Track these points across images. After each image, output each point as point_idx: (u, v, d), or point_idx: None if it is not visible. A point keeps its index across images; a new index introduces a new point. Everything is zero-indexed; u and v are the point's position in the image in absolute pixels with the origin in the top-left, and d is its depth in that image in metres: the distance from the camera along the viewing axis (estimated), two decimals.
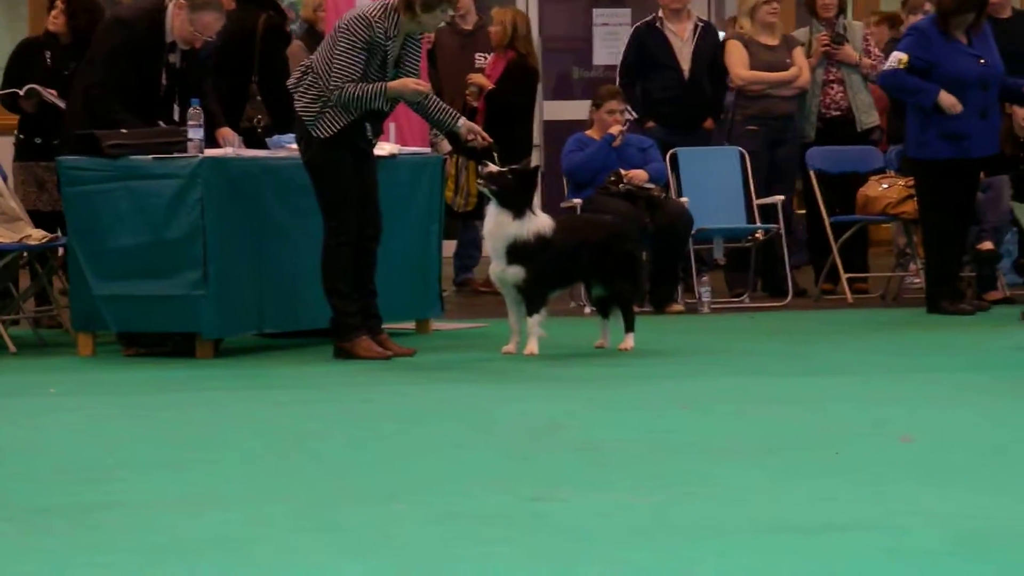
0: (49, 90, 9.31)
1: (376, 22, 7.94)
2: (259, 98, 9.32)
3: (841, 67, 11.31)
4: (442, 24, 8.85)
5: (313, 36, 10.44)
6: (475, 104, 11.34)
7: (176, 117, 8.62)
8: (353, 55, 7.92)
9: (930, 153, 9.97)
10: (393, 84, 8.01)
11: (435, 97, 8.41)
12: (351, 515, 4.57)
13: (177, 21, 8.55)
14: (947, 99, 9.84)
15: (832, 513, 4.50)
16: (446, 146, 10.41)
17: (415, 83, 8.06)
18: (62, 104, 9.27)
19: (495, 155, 8.54)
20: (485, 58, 11.66)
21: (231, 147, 8.59)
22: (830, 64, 11.31)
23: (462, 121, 8.34)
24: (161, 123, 8.55)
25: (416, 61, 8.21)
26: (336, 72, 7.92)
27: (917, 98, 9.94)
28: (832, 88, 11.32)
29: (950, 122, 9.89)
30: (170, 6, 8.57)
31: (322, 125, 8.04)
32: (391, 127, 9.26)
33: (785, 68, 11.21)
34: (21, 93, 9.35)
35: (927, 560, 4.01)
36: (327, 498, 4.84)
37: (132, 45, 8.56)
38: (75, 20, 9.44)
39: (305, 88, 8.08)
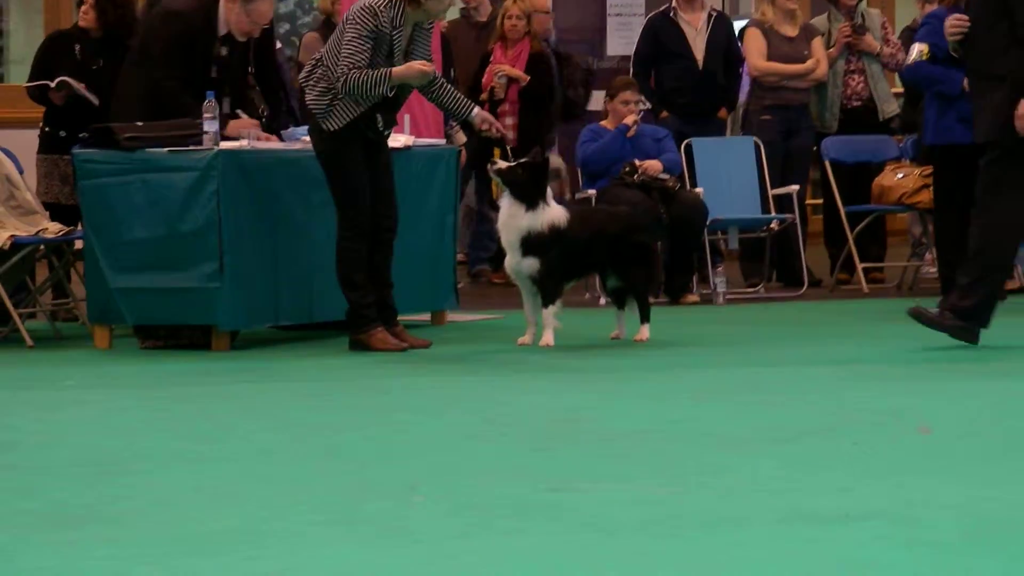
0: (79, 83, 9.34)
1: (381, 11, 7.95)
2: (257, 88, 9.32)
3: (862, 56, 11.29)
4: (447, 10, 8.85)
5: (329, 28, 10.45)
6: (502, 95, 11.36)
7: (226, 108, 8.67)
8: (359, 44, 7.93)
9: (949, 138, 9.95)
10: (398, 69, 8.02)
11: (447, 85, 8.41)
12: (368, 507, 4.58)
13: (232, 15, 8.59)
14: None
15: (849, 504, 4.50)
16: (462, 137, 10.42)
17: (421, 64, 8.06)
18: (93, 98, 9.29)
19: (507, 149, 8.55)
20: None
21: (247, 139, 8.59)
22: (851, 54, 11.29)
23: (476, 111, 8.35)
24: (242, 113, 8.59)
25: (427, 51, 8.22)
26: (343, 61, 7.94)
27: (943, 88, 9.91)
28: (853, 78, 11.30)
29: (968, 106, 9.87)
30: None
31: (332, 118, 8.05)
32: (405, 118, 9.26)
33: (803, 59, 11.19)
34: (52, 85, 9.37)
35: (943, 551, 4.00)
36: (344, 490, 4.84)
37: (187, 37, 8.59)
38: (105, 16, 9.47)
39: (315, 81, 8.09)
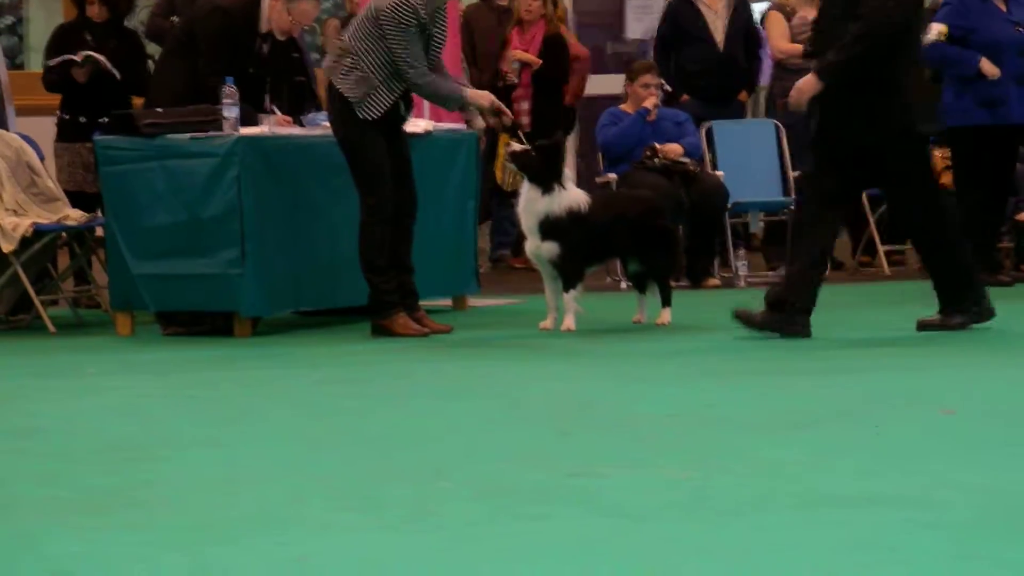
0: (101, 56, 9.40)
1: (418, 4, 7.96)
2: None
3: None
4: None
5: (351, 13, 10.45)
6: (516, 80, 11.34)
7: (268, 106, 8.74)
8: (411, 45, 7.97)
9: (968, 120, 9.94)
10: (470, 93, 8.13)
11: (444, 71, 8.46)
12: (390, 492, 4.58)
13: (274, 13, 8.65)
14: (988, 67, 9.81)
15: (872, 487, 4.50)
16: (480, 122, 10.41)
17: (490, 97, 8.14)
18: (116, 72, 9.36)
19: (519, 133, 8.55)
20: None
21: (267, 125, 8.60)
22: None
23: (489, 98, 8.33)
24: (276, 109, 8.71)
25: (443, 34, 8.21)
26: (402, 64, 7.95)
27: (959, 69, 9.91)
28: None
29: (987, 88, 9.86)
30: None
31: (369, 106, 8.05)
32: (425, 104, 9.26)
33: None
34: (78, 59, 9.41)
35: (967, 534, 4.00)
36: (366, 476, 4.85)
37: (231, 33, 8.65)
38: (113, 6, 9.56)
39: (346, 71, 8.08)
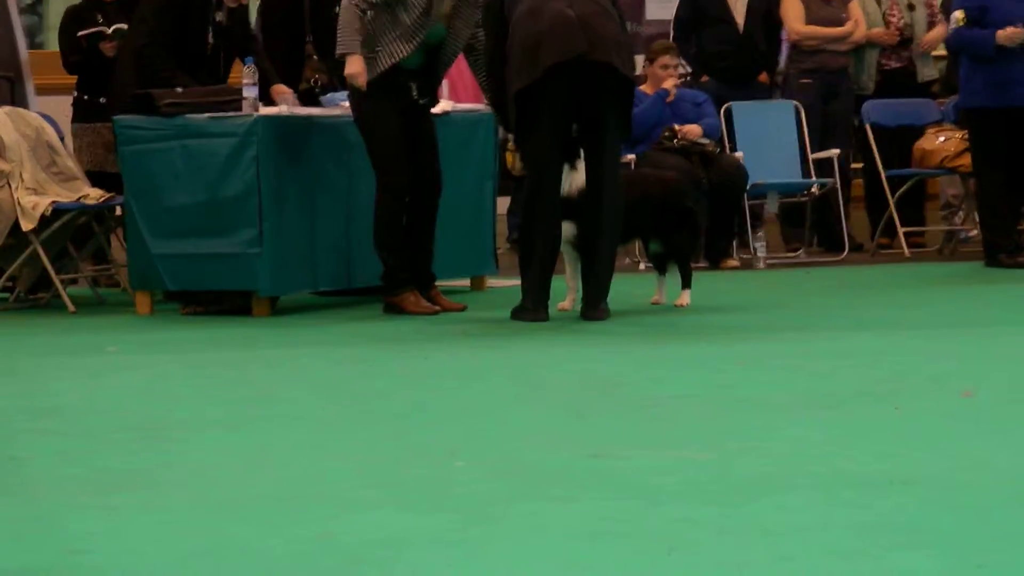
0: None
1: None
2: (315, 57, 9.33)
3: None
4: None
5: None
6: None
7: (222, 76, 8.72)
8: None
9: (978, 102, 9.94)
10: (352, 58, 7.96)
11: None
12: (409, 472, 4.58)
13: None
14: (1005, 33, 9.80)
15: (892, 468, 4.49)
16: None
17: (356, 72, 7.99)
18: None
19: None
20: None
21: (286, 105, 8.61)
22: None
23: None
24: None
25: (469, 23, 8.19)
26: None
27: (979, 50, 9.89)
28: None
29: (996, 70, 9.85)
30: None
31: (368, 70, 8.05)
32: (444, 84, 9.25)
33: (841, 22, 11.14)
34: (108, 31, 9.41)
35: (988, 515, 3.99)
36: (385, 455, 4.85)
37: (180, 1, 8.61)
38: None
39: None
